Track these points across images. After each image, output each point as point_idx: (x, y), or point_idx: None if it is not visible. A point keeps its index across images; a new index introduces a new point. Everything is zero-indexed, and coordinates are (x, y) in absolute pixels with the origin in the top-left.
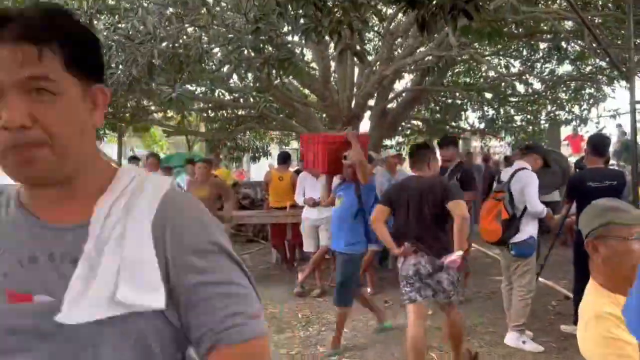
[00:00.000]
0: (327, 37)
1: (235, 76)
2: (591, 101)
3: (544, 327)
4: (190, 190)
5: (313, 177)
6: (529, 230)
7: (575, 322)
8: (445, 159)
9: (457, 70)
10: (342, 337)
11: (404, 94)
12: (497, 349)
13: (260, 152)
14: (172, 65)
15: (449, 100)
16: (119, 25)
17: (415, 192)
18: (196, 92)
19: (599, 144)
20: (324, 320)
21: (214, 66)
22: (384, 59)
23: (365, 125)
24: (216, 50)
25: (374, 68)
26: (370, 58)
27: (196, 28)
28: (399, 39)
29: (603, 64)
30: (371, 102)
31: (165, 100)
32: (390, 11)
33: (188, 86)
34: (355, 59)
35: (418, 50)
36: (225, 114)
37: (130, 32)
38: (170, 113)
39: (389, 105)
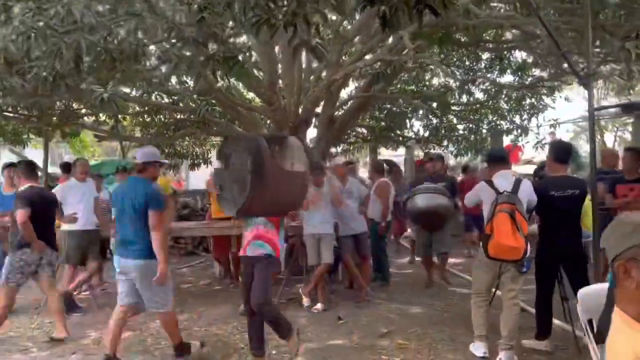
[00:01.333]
0: (277, 34)
1: (174, 78)
2: (532, 111)
3: None
4: None
5: None
6: None
7: (536, 337)
8: None
9: (403, 78)
10: None
11: (351, 101)
12: None
13: (200, 159)
14: (103, 62)
15: (395, 109)
16: (40, 11)
17: None
18: (131, 95)
19: (561, 150)
20: (275, 341)
21: (150, 64)
22: (333, 63)
23: (312, 132)
24: (153, 47)
25: (323, 73)
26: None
27: (131, 18)
28: (350, 42)
29: (544, 74)
30: (318, 110)
31: (95, 101)
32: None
33: (122, 88)
34: (303, 61)
35: (367, 56)
36: (162, 119)
37: (53, 20)
38: (102, 117)
39: (336, 113)
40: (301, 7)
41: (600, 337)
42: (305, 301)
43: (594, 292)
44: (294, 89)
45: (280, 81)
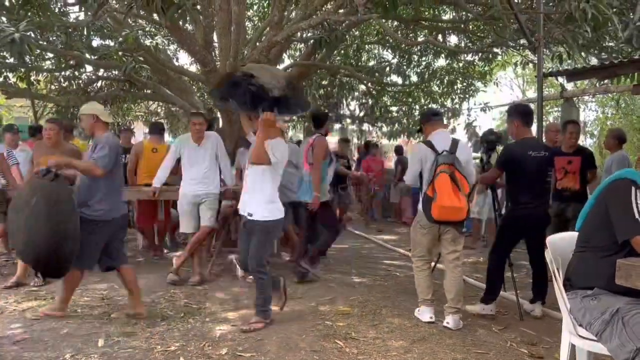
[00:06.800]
0: None
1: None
2: (463, 95)
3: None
4: (37, 156)
5: (195, 143)
6: None
7: (482, 301)
8: None
9: (342, 54)
10: None
11: (291, 69)
12: (409, 332)
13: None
14: None
15: (332, 87)
16: None
17: None
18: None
19: (527, 113)
20: (207, 310)
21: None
22: (274, 23)
23: None
24: None
25: (263, 34)
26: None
27: None
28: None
29: (476, 59)
30: None
31: (4, 41)
32: None
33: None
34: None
35: (312, 17)
36: (81, 84)
37: None
38: (12, 78)
39: None
40: None
41: (568, 284)
42: (240, 271)
43: (562, 239)
44: (230, 51)
45: (215, 43)
